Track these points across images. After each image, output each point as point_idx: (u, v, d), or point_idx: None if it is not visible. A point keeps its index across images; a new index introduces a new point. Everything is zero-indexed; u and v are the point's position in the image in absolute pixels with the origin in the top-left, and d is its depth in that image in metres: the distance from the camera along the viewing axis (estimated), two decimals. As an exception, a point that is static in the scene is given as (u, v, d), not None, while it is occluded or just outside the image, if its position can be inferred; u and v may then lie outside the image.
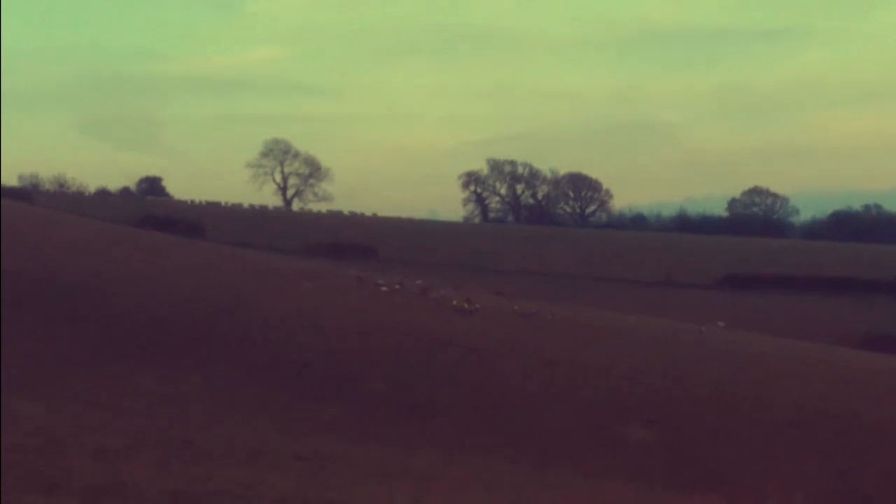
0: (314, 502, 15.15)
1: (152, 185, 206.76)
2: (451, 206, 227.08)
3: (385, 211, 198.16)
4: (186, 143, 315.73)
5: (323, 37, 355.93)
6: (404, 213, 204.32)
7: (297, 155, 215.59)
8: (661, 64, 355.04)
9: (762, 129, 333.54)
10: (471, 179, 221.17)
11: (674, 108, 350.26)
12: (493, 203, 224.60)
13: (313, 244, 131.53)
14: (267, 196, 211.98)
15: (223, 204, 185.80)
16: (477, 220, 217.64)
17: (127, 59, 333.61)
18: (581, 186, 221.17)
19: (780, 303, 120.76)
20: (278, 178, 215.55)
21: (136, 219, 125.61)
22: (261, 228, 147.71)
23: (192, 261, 55.66)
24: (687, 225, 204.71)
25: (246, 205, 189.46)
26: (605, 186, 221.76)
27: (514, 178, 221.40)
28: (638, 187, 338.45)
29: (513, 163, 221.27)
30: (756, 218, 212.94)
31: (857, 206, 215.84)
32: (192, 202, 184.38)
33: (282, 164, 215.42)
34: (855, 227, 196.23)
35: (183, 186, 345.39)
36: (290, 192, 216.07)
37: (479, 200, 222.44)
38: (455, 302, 51.08)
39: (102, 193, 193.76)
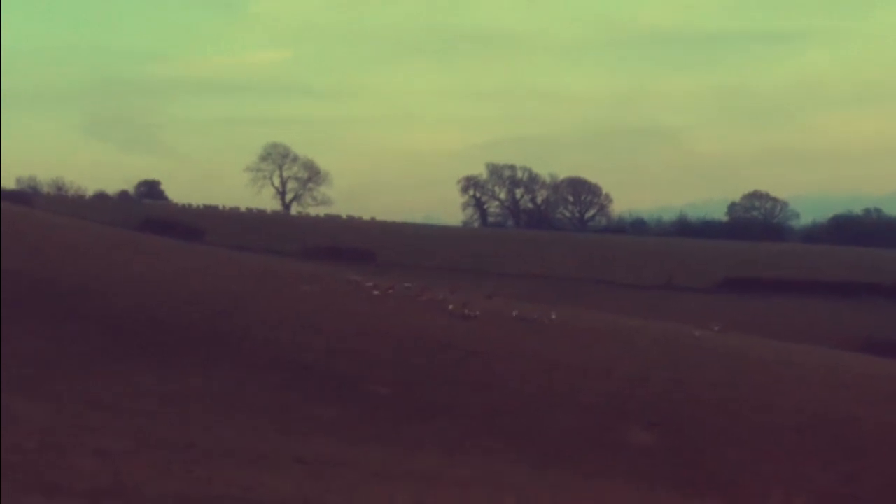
0: (316, 504, 15.12)
1: (151, 189, 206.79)
2: (450, 210, 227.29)
3: (384, 215, 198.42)
4: (186, 146, 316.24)
5: (324, 39, 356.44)
6: (403, 216, 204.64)
7: (295, 159, 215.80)
8: (662, 67, 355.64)
9: (762, 132, 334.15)
10: (470, 184, 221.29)
11: (674, 112, 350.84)
12: (493, 207, 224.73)
13: (311, 248, 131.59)
14: (266, 200, 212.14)
15: (220, 207, 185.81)
16: (476, 225, 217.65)
17: (127, 60, 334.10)
18: (580, 191, 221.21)
19: (780, 307, 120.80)
20: (277, 181, 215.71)
21: (136, 222, 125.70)
22: (259, 232, 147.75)
23: (191, 264, 55.68)
24: (687, 229, 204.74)
25: (243, 208, 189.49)
26: (604, 191, 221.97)
27: (514, 182, 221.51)
28: (638, 191, 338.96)
29: (512, 167, 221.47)
30: (756, 222, 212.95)
31: (857, 209, 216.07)
32: (190, 206, 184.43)
33: (280, 167, 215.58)
34: (855, 231, 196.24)
35: (182, 190, 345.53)
36: (288, 196, 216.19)
37: (479, 205, 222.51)
38: (451, 307, 51.03)
39: (101, 197, 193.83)
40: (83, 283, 42.21)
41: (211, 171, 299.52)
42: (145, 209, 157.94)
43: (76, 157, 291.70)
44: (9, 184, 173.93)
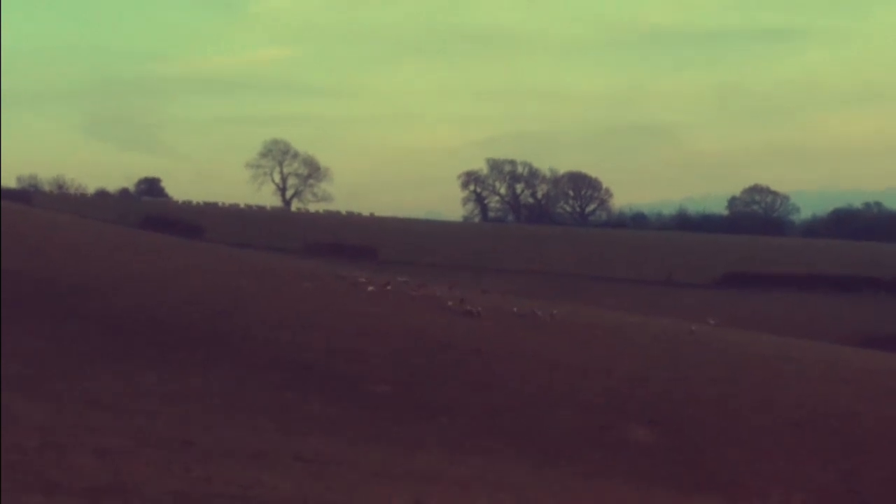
0: (317, 502, 15.12)
1: (151, 186, 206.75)
2: (450, 206, 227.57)
3: (385, 211, 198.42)
4: (187, 144, 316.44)
5: (324, 38, 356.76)
6: (403, 213, 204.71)
7: (296, 155, 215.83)
8: (662, 65, 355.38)
9: (762, 128, 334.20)
10: (470, 179, 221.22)
11: (674, 109, 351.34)
12: (493, 203, 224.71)
13: (312, 244, 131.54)
14: (266, 196, 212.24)
15: (220, 204, 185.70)
16: (477, 220, 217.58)
17: (128, 60, 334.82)
18: (581, 185, 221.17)
19: (780, 301, 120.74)
20: (277, 178, 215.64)
21: (136, 220, 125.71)
22: (260, 229, 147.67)
23: (191, 262, 55.67)
24: (687, 223, 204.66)
25: (242, 205, 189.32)
26: (604, 185, 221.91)
27: (514, 177, 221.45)
28: (638, 187, 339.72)
29: (512, 162, 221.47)
30: (756, 216, 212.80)
31: (857, 204, 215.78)
32: (190, 203, 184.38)
33: (281, 164, 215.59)
34: (855, 225, 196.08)
35: (182, 187, 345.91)
36: (289, 193, 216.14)
37: (479, 200, 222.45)
38: (451, 303, 50.98)
39: (101, 195, 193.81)
40: (83, 282, 42.24)
41: (211, 169, 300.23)
42: (145, 207, 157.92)
43: (77, 155, 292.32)
44: (9, 182, 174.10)
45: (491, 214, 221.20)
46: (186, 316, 38.21)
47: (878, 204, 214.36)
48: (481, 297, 59.01)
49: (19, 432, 16.86)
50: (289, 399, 28.45)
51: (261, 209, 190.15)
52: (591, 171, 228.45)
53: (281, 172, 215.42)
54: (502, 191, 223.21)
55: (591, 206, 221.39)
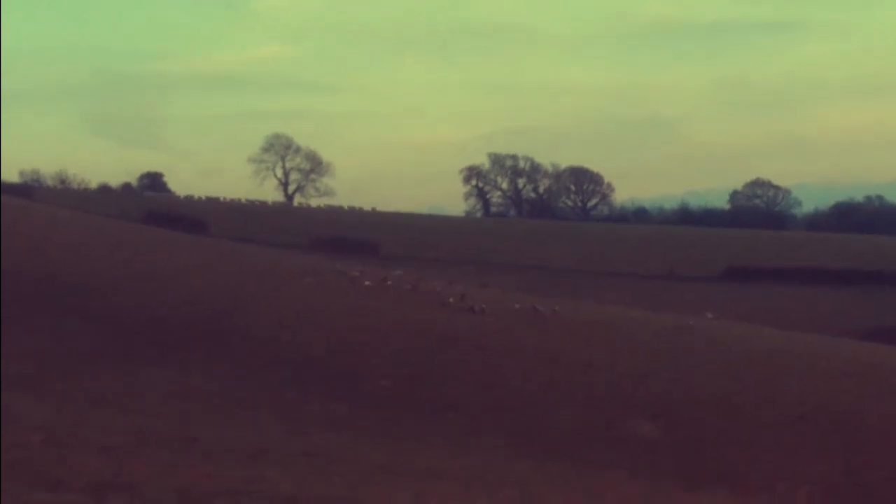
0: (319, 499, 15.10)
1: (154, 181, 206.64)
2: (452, 200, 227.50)
3: (387, 206, 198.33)
4: (190, 140, 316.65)
5: (325, 34, 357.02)
6: (405, 208, 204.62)
7: (298, 150, 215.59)
8: (663, 58, 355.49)
9: (764, 122, 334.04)
10: (472, 174, 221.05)
11: (675, 102, 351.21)
12: (495, 197, 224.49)
13: (315, 239, 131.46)
14: (268, 191, 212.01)
15: (222, 199, 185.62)
16: (479, 215, 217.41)
17: (130, 57, 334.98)
18: (583, 180, 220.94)
19: (782, 295, 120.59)
20: (279, 173, 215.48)
21: (139, 215, 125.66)
22: (262, 224, 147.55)
23: (193, 259, 55.66)
24: (689, 218, 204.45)
25: (243, 199, 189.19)
26: (606, 180, 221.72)
27: (516, 172, 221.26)
28: (640, 181, 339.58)
29: (514, 157, 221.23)
30: (758, 210, 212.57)
31: (859, 197, 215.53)
32: (192, 197, 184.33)
33: (283, 159, 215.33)
34: (857, 218, 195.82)
35: (185, 182, 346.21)
36: (291, 188, 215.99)
37: (481, 195, 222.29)
38: (451, 299, 50.83)
39: (104, 189, 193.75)
40: (85, 281, 42.25)
41: (213, 164, 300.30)
42: (148, 202, 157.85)
43: (80, 152, 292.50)
44: (12, 177, 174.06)
45: (493, 209, 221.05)
46: (188, 314, 38.21)
47: (879, 197, 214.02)
48: (482, 293, 58.95)
49: (22, 431, 16.85)
50: (291, 396, 28.46)
51: (262, 204, 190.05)
52: (593, 166, 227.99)
53: (283, 167, 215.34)
54: (504, 185, 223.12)
55: (593, 201, 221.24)
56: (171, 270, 49.16)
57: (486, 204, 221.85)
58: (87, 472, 14.48)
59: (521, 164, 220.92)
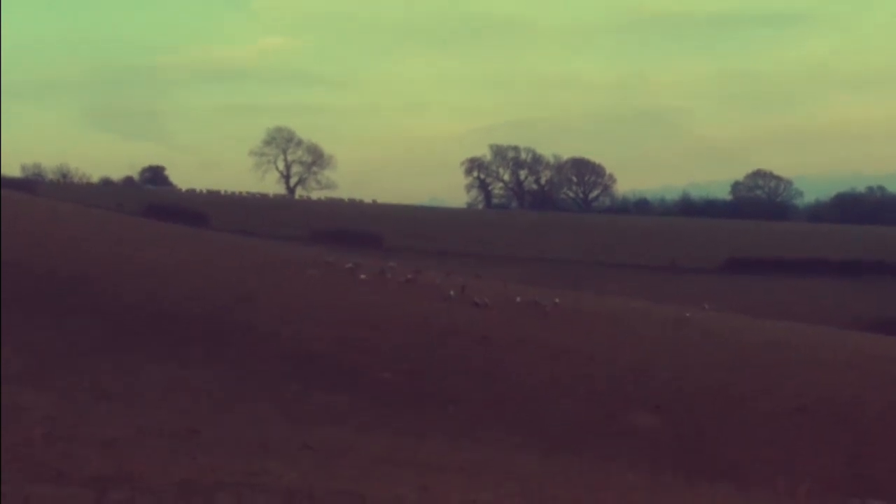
0: (322, 492, 15.10)
1: (155, 175, 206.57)
2: (454, 192, 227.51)
3: (388, 198, 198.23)
4: (192, 133, 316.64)
5: (327, 26, 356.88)
6: (407, 200, 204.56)
7: (300, 143, 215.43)
8: (665, 50, 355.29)
9: (766, 113, 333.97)
10: (474, 165, 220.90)
11: (677, 94, 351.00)
12: (497, 189, 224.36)
13: (317, 232, 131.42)
14: (270, 184, 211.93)
15: (223, 192, 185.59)
16: (480, 207, 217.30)
17: (131, 50, 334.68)
18: (584, 171, 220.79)
19: (784, 287, 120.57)
20: (281, 166, 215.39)
21: (140, 208, 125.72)
22: (264, 217, 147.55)
23: (195, 253, 55.66)
24: (691, 209, 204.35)
25: (241, 192, 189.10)
26: (608, 171, 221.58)
27: (517, 163, 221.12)
28: (641, 172, 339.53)
29: (516, 148, 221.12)
30: (760, 201, 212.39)
31: (860, 188, 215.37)
32: (194, 191, 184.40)
33: (285, 151, 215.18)
34: (859, 209, 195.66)
35: (186, 176, 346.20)
36: (293, 180, 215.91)
37: (483, 186, 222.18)
38: (452, 292, 50.77)
39: (106, 183, 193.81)
40: (87, 275, 42.26)
41: (215, 157, 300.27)
42: (149, 195, 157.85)
43: (81, 146, 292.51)
44: (14, 171, 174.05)
45: (494, 201, 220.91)
46: (189, 309, 38.23)
47: (881, 188, 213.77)
48: (484, 286, 58.91)
49: (24, 424, 16.87)
50: (294, 389, 28.48)
51: (264, 197, 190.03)
52: (595, 157, 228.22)
53: (285, 160, 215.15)
54: (506, 177, 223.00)
55: (595, 192, 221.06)
56: (172, 265, 49.17)
57: (487, 196, 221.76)
58: (88, 465, 14.49)
59: (523, 155, 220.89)
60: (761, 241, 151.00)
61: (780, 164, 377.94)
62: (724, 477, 26.28)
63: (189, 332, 34.37)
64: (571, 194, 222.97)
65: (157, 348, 31.29)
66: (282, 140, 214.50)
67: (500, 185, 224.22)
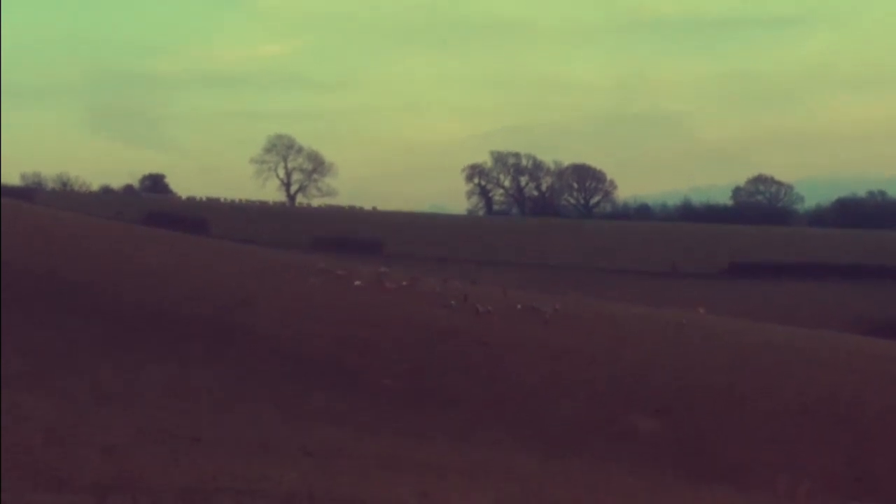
0: (322, 495, 15.10)
1: (155, 183, 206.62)
2: (455, 199, 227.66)
3: (389, 205, 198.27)
4: (191, 140, 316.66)
5: (326, 31, 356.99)
6: (407, 206, 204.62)
7: (300, 150, 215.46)
8: (665, 53, 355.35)
9: (766, 117, 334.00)
10: (474, 172, 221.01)
11: (678, 98, 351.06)
12: (497, 195, 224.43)
13: (318, 239, 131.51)
14: (270, 192, 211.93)
15: (223, 200, 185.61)
16: (481, 213, 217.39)
17: (131, 55, 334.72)
18: (585, 177, 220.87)
19: (785, 291, 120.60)
20: (282, 173, 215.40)
21: (140, 216, 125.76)
22: (264, 224, 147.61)
23: (196, 256, 55.69)
24: (692, 214, 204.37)
25: (242, 199, 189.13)
26: (609, 177, 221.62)
27: (518, 169, 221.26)
28: (642, 178, 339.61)
29: (516, 155, 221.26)
30: (761, 206, 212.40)
31: (861, 192, 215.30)
32: (194, 198, 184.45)
33: (285, 159, 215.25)
34: (860, 213, 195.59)
35: (186, 183, 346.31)
36: (293, 188, 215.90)
37: (483, 193, 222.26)
38: (454, 302, 50.62)
39: (106, 191, 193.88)
40: (87, 278, 42.26)
41: (215, 164, 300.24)
42: (148, 203, 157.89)
43: (80, 152, 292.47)
44: (13, 180, 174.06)
45: (495, 207, 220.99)
46: (189, 311, 38.23)
47: (882, 192, 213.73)
48: (485, 293, 58.88)
49: (25, 429, 16.87)
50: (294, 392, 28.46)
51: (263, 204, 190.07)
52: (596, 163, 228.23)
53: (285, 167, 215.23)
54: (506, 183, 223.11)
55: (596, 198, 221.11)
56: (172, 267, 49.21)
57: (488, 202, 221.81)
58: (89, 469, 14.48)
59: (524, 161, 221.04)
60: (762, 245, 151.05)
61: (782, 167, 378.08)
62: (725, 479, 26.28)
63: (189, 334, 34.37)
64: (572, 200, 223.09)
65: (158, 349, 31.29)
66: (282, 147, 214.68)
67: (501, 191, 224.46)
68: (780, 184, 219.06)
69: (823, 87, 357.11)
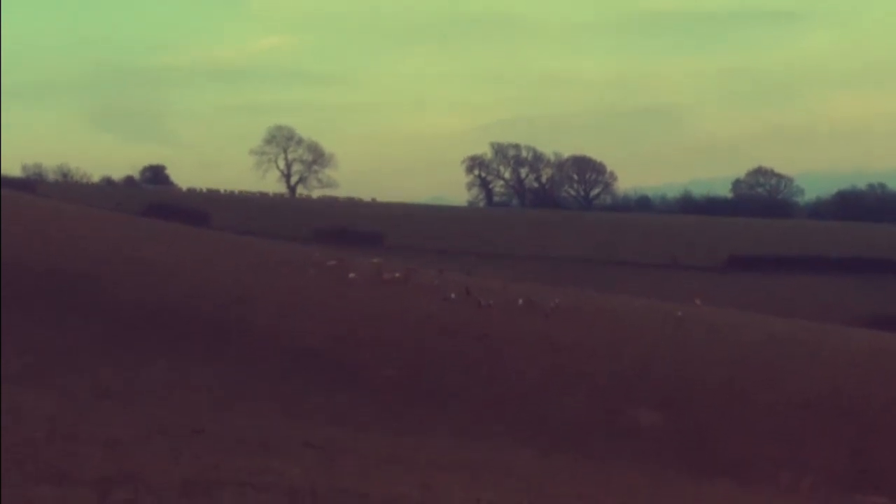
0: (324, 490, 15.05)
1: (156, 174, 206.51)
2: (455, 190, 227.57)
3: (389, 196, 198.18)
4: (191, 133, 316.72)
5: (326, 24, 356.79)
6: (408, 198, 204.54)
7: (300, 141, 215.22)
8: (665, 46, 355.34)
9: (767, 110, 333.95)
10: (475, 164, 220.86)
11: (678, 91, 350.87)
12: (498, 187, 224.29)
13: (318, 231, 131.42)
14: (270, 183, 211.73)
15: (223, 192, 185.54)
16: (481, 205, 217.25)
17: (131, 50, 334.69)
18: (585, 169, 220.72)
19: (786, 284, 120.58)
20: (282, 164, 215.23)
21: (141, 208, 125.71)
22: (265, 215, 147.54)
23: (196, 251, 55.63)
24: (692, 206, 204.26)
25: (242, 191, 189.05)
26: (609, 169, 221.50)
27: (518, 161, 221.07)
28: (642, 170, 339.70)
29: (517, 146, 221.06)
30: (761, 199, 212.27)
31: (861, 185, 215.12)
32: (194, 190, 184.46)
33: (285, 150, 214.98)
34: (860, 206, 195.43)
35: (187, 175, 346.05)
36: (293, 179, 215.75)
37: (484, 185, 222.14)
38: (453, 295, 50.39)
39: (106, 183, 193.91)
40: (88, 273, 42.19)
41: (215, 157, 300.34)
42: (149, 195, 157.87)
43: (81, 146, 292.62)
44: (14, 171, 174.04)
45: (495, 199, 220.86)
46: (190, 306, 38.17)
47: (882, 185, 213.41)
48: (486, 286, 58.74)
49: (27, 424, 16.83)
50: (296, 387, 28.44)
51: (264, 195, 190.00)
52: (596, 154, 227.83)
53: (286, 159, 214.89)
54: (506, 175, 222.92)
55: (596, 190, 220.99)
56: (172, 263, 49.13)
57: (488, 194, 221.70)
58: (91, 465, 14.44)
59: (524, 153, 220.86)
60: (763, 238, 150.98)
61: (782, 160, 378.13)
62: (727, 473, 26.24)
63: (189, 330, 34.32)
64: (572, 192, 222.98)
65: (158, 346, 31.24)
66: (282, 139, 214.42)
67: (501, 183, 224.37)
68: (780, 176, 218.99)
69: (823, 80, 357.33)
